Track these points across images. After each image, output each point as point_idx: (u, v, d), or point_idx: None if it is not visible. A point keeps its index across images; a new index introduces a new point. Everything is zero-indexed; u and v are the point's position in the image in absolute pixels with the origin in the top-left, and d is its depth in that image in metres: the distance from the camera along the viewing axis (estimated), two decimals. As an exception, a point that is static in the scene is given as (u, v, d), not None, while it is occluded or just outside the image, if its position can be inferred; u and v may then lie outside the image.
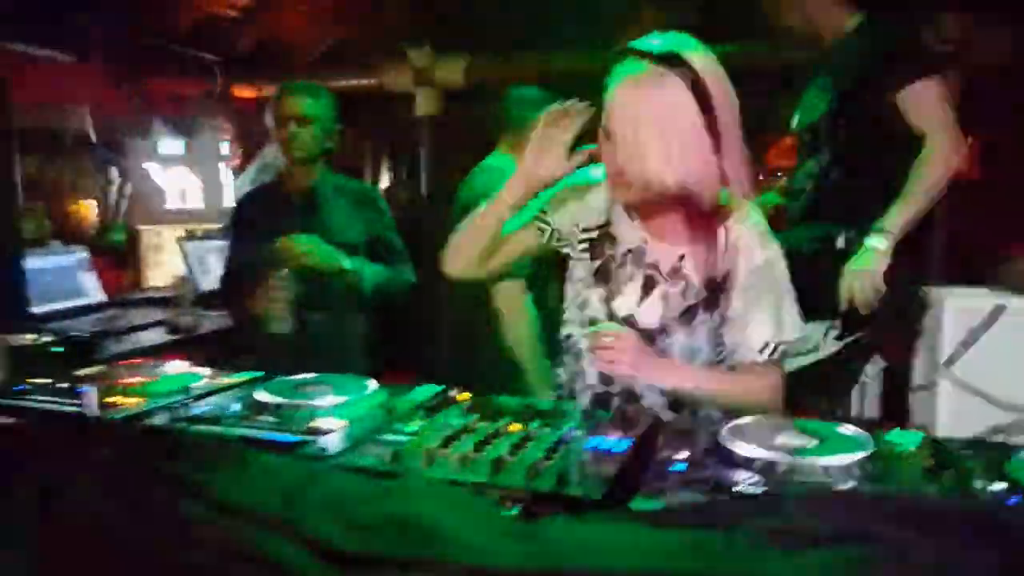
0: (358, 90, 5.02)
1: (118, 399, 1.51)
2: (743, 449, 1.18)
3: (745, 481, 1.09)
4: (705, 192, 1.46)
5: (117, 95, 4.06)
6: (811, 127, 2.26)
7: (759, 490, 1.06)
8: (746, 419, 1.32)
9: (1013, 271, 2.40)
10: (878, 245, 2.07)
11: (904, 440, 1.23)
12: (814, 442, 1.21)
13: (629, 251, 1.59)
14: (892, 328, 2.24)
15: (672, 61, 1.39)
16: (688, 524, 0.88)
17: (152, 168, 4.20)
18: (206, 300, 3.14)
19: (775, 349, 1.54)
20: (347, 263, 2.36)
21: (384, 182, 7.04)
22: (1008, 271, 2.40)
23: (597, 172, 1.64)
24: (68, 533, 0.90)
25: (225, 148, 4.56)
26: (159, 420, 1.40)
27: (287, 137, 2.41)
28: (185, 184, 4.26)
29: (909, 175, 2.05)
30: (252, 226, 2.51)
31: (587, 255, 1.64)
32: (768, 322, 1.54)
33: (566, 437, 1.24)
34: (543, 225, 1.69)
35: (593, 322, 1.62)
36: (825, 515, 0.89)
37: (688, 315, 1.56)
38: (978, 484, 1.06)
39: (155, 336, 2.94)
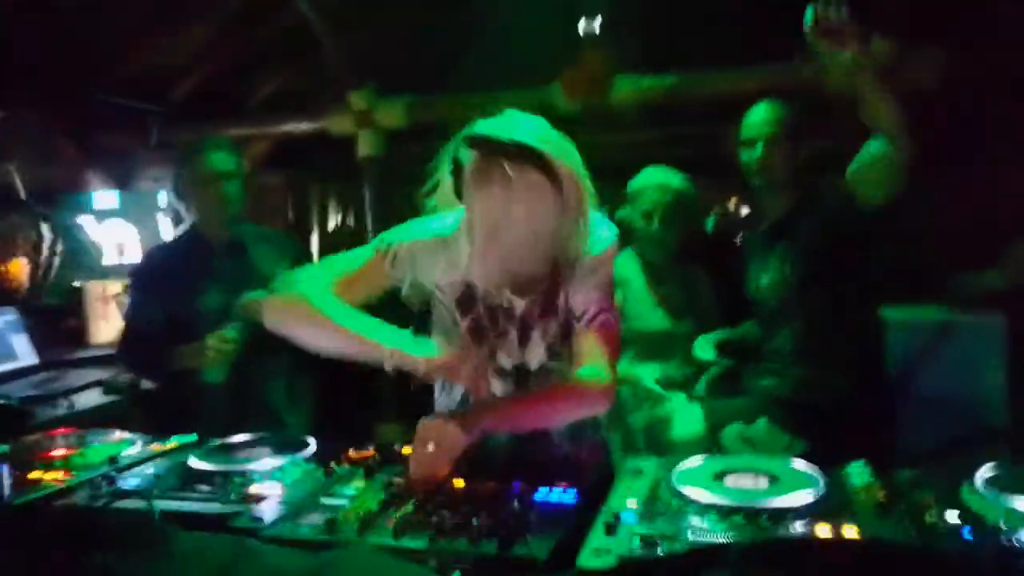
0: (299, 134, 4.97)
1: (40, 475, 1.43)
2: (694, 493, 1.15)
3: (699, 529, 1.05)
4: (562, 256, 1.51)
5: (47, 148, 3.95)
6: (773, 293, 2.30)
7: (716, 539, 1.02)
8: (695, 460, 1.29)
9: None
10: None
11: (856, 474, 1.22)
12: (765, 483, 1.18)
13: (498, 307, 1.57)
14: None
15: (529, 154, 1.37)
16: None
17: (87, 222, 4.07)
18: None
19: (596, 316, 1.53)
20: None
21: (329, 225, 6.97)
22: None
23: (443, 224, 1.56)
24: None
25: (162, 199, 4.44)
26: (82, 498, 1.32)
27: (214, 194, 2.37)
28: (121, 238, 4.13)
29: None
30: (170, 278, 2.43)
31: (456, 310, 1.59)
32: (594, 296, 1.54)
33: (511, 492, 1.20)
34: (394, 277, 1.58)
35: None
36: (781, 565, 0.86)
37: (569, 330, 1.57)
38: (930, 518, 1.05)
39: (92, 398, 2.81)
